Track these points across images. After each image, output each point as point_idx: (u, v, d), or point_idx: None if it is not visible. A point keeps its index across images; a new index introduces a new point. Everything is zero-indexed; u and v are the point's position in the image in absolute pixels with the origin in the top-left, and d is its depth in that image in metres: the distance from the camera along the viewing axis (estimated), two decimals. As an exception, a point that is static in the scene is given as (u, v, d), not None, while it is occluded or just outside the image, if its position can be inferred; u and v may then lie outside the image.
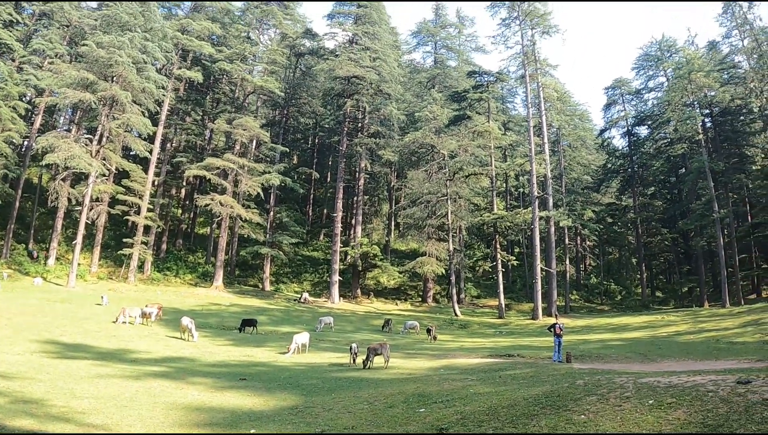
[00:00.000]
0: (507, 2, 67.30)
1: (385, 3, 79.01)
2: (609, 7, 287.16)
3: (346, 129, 69.47)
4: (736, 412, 8.95)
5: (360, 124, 71.99)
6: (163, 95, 60.35)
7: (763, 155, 73.26)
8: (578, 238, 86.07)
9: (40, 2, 61.75)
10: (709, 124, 75.39)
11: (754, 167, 74.07)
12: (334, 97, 73.61)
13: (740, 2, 65.37)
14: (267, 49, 74.15)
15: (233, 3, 77.42)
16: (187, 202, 78.25)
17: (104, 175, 55.80)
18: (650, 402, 10.23)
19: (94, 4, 69.80)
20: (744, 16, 66.22)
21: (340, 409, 14.30)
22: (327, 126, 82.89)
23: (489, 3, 69.64)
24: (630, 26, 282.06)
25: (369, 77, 66.96)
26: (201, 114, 75.02)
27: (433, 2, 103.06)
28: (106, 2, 61.53)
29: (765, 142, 69.03)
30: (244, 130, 63.09)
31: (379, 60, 69.14)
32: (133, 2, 58.97)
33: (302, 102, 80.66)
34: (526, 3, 65.95)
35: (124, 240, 57.95)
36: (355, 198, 73.41)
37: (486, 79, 73.33)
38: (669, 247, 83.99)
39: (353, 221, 74.64)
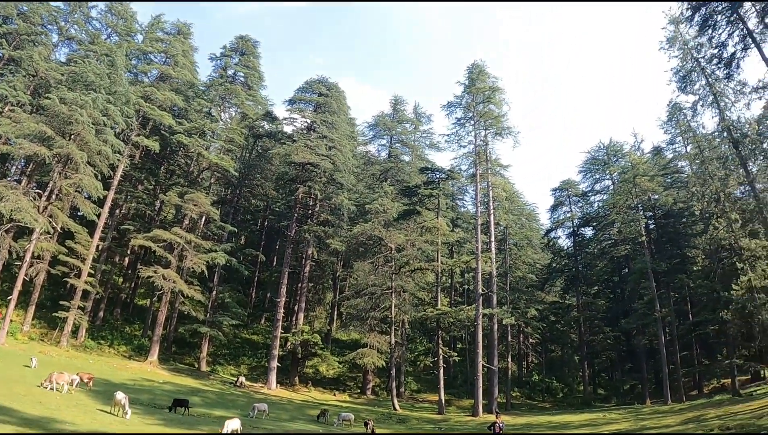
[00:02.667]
0: (463, 103, 72.77)
1: (346, 93, 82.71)
2: (561, 111, 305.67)
3: (296, 215, 72.00)
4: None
5: (310, 211, 74.68)
6: (119, 160, 61.99)
7: (703, 256, 78.41)
8: (521, 335, 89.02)
9: (9, 49, 62.00)
10: (652, 226, 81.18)
11: (695, 268, 79.42)
12: (287, 182, 76.68)
13: (684, 111, 71.81)
14: (226, 127, 76.57)
15: (198, 78, 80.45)
16: (130, 272, 78.85)
17: (49, 233, 56.18)
18: None
19: (63, 58, 71.59)
20: (687, 124, 72.01)
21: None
22: (278, 209, 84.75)
23: (446, 102, 75.02)
24: (581, 129, 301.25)
25: (323, 165, 70.13)
26: (153, 184, 76.24)
27: (392, 97, 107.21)
28: (75, 59, 62.93)
29: (706, 243, 73.37)
30: (195, 205, 64.78)
31: (334, 149, 72.45)
32: (102, 64, 60.57)
33: (255, 183, 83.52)
34: (481, 105, 71.39)
35: (61, 302, 56.96)
36: (300, 284, 75.12)
37: (438, 175, 77.57)
38: (611, 345, 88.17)
39: (296, 308, 76.22)
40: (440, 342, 68.73)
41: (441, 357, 66.01)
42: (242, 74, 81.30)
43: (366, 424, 41.21)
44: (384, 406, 63.35)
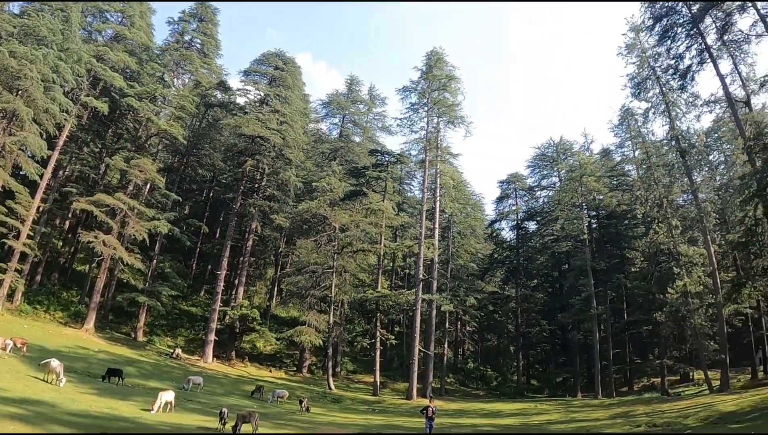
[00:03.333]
0: (419, 89, 73.86)
1: (302, 69, 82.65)
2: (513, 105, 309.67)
3: (242, 187, 71.85)
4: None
5: (257, 185, 74.42)
6: (65, 120, 59.63)
7: (642, 258, 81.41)
8: (459, 322, 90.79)
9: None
10: (594, 226, 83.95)
11: (633, 269, 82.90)
12: (236, 154, 76.70)
13: (636, 117, 73.90)
14: (178, 93, 74.67)
15: (154, 41, 79.44)
16: (70, 236, 76.97)
17: (-12, 192, 54.00)
18: None
19: (16, 10, 66.72)
20: (638, 130, 74.25)
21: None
22: (224, 181, 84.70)
23: (402, 87, 75.98)
24: (533, 124, 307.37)
25: (273, 140, 70.17)
26: (100, 147, 73.90)
27: (348, 76, 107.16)
28: (29, 12, 59.34)
29: (645, 246, 76.04)
30: (141, 171, 64.21)
31: (286, 124, 72.49)
32: (56, 18, 58.40)
33: (203, 153, 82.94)
34: (436, 92, 72.73)
35: (-3, 263, 54.48)
36: (242, 258, 74.35)
37: (387, 159, 78.34)
38: (547, 338, 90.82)
39: (236, 282, 75.81)
40: (378, 324, 69.61)
41: (378, 339, 66.85)
42: (199, 41, 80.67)
43: (300, 402, 41.59)
44: (319, 385, 63.73)
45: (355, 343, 76.85)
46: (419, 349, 64.33)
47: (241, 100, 79.22)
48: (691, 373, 79.04)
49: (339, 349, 73.09)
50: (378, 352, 67.25)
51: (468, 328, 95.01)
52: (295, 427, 30.39)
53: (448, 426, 37.43)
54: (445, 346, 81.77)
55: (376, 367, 65.25)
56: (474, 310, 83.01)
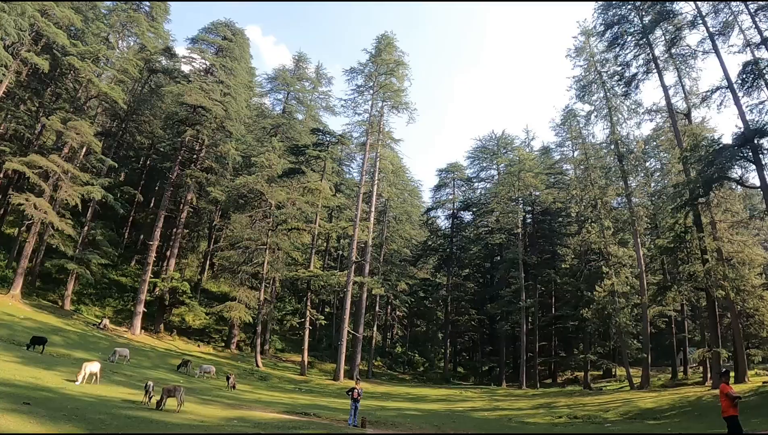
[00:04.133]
0: (366, 72, 74.89)
1: (251, 41, 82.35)
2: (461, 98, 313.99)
3: (180, 157, 71.57)
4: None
5: (195, 156, 74.36)
6: (3, 75, 58.36)
7: (573, 256, 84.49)
8: (389, 306, 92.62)
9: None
10: (529, 220, 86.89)
11: (563, 265, 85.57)
12: (176, 123, 75.58)
13: (579, 118, 76.06)
14: (122, 56, 74.12)
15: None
16: (0, 197, 74.04)
17: None
18: None
19: None
20: (579, 131, 76.76)
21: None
22: (162, 150, 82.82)
23: (349, 68, 76.99)
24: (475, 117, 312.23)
25: (215, 111, 70.27)
26: (37, 105, 71.79)
27: (297, 53, 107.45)
28: None
29: (577, 244, 78.90)
30: (77, 134, 62.08)
31: (229, 96, 72.83)
32: None
33: (143, 119, 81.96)
34: (383, 76, 73.84)
35: None
36: (175, 230, 74.17)
37: (328, 138, 78.32)
38: (475, 327, 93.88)
39: (168, 253, 75.07)
40: (309, 304, 70.27)
41: (308, 319, 67.55)
42: (148, 4, 78.22)
43: (228, 379, 41.93)
44: (247, 362, 64.22)
45: (285, 322, 76.25)
46: (348, 331, 65.60)
47: (186, 68, 78.94)
48: (613, 369, 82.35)
49: (268, 326, 73.34)
50: (307, 332, 67.72)
51: (398, 312, 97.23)
52: (221, 404, 30.59)
53: (374, 408, 38.05)
54: (375, 329, 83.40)
55: (305, 347, 65.88)
56: (405, 295, 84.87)
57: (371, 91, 74.38)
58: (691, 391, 47.44)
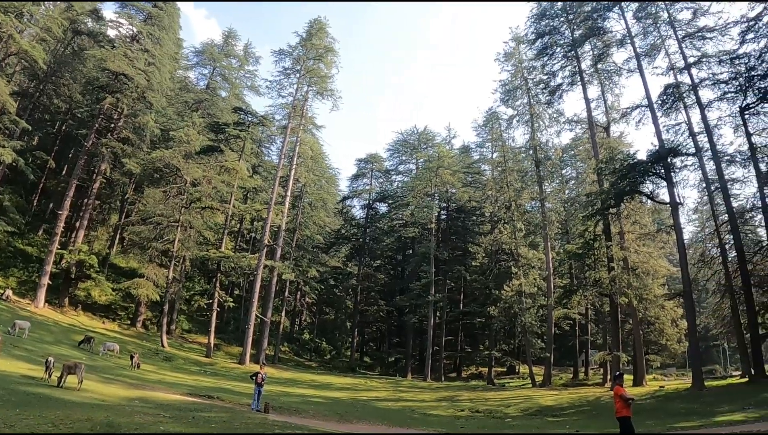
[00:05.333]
0: (294, 55, 76.00)
1: (181, 12, 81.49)
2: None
3: (97, 125, 69.37)
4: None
5: (113, 125, 72.56)
6: None
7: (484, 254, 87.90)
8: (299, 293, 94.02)
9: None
10: (443, 217, 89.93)
11: (474, 263, 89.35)
12: (96, 89, 72.87)
13: (501, 121, 78.91)
14: (47, 14, 70.78)
15: None
16: None
17: None
18: None
19: None
20: (500, 133, 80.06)
21: (22, 428, 14.37)
22: (80, 116, 79.76)
23: (278, 49, 79.36)
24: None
25: (138, 80, 69.03)
26: None
27: (227, 29, 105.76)
28: None
29: (488, 243, 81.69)
30: None
31: (153, 66, 71.91)
32: None
33: (63, 82, 79.48)
34: (312, 60, 75.44)
35: None
36: (86, 200, 72.18)
37: (250, 119, 78.52)
38: (383, 318, 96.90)
39: (78, 224, 73.04)
40: (218, 285, 70.97)
41: (216, 300, 67.76)
42: None
43: (131, 358, 42.01)
44: (153, 341, 63.42)
45: (193, 302, 77.18)
46: (256, 315, 66.85)
47: (112, 33, 76.79)
48: (517, 367, 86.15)
49: (176, 306, 73.52)
50: (215, 314, 68.35)
51: (307, 299, 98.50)
52: (123, 384, 30.47)
53: (278, 394, 38.89)
54: (283, 314, 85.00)
55: (212, 329, 66.60)
56: (315, 282, 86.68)
57: (298, 75, 75.53)
58: (591, 392, 50.75)
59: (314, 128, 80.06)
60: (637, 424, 22.95)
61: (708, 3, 54.69)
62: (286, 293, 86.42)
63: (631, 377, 58.77)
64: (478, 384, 70.73)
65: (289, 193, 74.04)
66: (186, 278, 76.69)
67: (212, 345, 66.16)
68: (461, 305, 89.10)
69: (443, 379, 76.68)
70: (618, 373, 18.42)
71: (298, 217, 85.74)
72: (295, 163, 74.36)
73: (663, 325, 67.06)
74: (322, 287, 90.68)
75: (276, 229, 73.12)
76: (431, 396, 51.66)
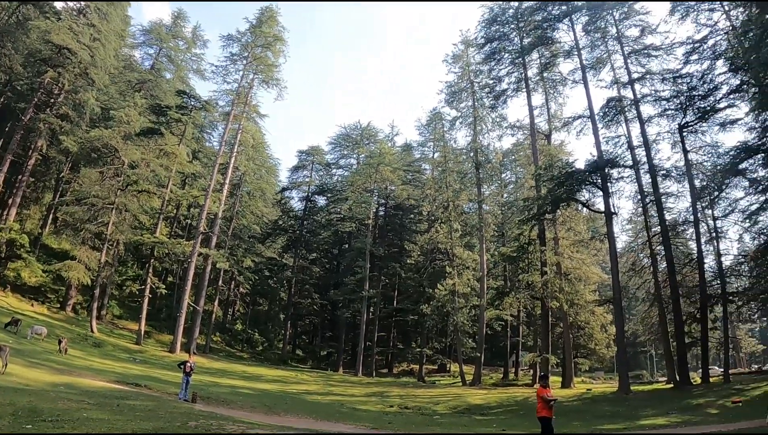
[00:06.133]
0: (243, 41, 76.23)
1: None
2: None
3: (36, 99, 68.27)
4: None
5: (53, 100, 71.24)
6: None
7: (419, 252, 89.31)
8: (233, 282, 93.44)
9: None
10: (381, 213, 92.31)
11: (409, 260, 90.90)
12: (38, 61, 71.06)
13: (444, 122, 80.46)
14: None
15: None
16: None
17: None
18: None
19: None
20: (443, 134, 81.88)
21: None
22: (19, 89, 76.47)
23: (226, 34, 78.27)
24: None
25: (81, 55, 67.97)
26: None
27: (176, 9, 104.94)
28: None
29: (425, 242, 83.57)
30: None
31: (98, 43, 70.65)
32: None
33: (4, 52, 74.20)
34: (260, 48, 75.95)
35: None
36: (20, 177, 70.56)
37: (193, 103, 78.77)
38: (317, 312, 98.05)
39: (10, 202, 70.31)
40: (151, 271, 70.89)
41: (149, 287, 67.55)
42: None
43: (59, 342, 41.10)
44: (82, 326, 62.09)
45: (125, 287, 76.34)
46: (189, 303, 67.28)
47: (59, 5, 75.40)
48: (448, 365, 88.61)
49: (108, 291, 72.59)
50: (146, 300, 67.96)
51: (241, 289, 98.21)
52: (49, 369, 30.25)
53: (208, 384, 39.07)
54: (216, 303, 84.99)
55: (143, 315, 66.19)
56: (250, 272, 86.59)
57: (245, 62, 75.88)
58: (519, 392, 52.25)
59: (258, 117, 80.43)
60: (564, 425, 24.58)
61: (656, 22, 57.28)
62: (220, 282, 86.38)
63: (560, 379, 61.22)
64: (408, 381, 72.47)
65: (227, 181, 74.60)
66: (119, 263, 75.67)
67: (143, 332, 65.63)
68: (395, 302, 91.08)
69: (374, 374, 78.21)
70: (543, 374, 19.51)
71: (235, 206, 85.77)
72: (235, 150, 74.81)
73: (592, 330, 69.72)
74: (257, 278, 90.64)
75: (213, 216, 73.56)
76: (361, 391, 52.62)
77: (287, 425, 20.46)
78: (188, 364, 28.65)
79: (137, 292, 74.53)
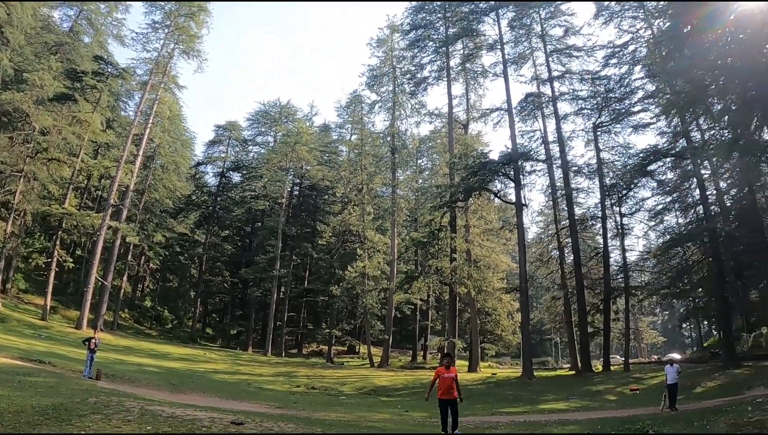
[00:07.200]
0: (166, 9, 74.37)
1: None
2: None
3: None
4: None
5: None
6: None
7: (332, 234, 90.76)
8: (143, 257, 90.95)
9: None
10: (296, 192, 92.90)
11: (321, 241, 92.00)
12: None
13: (364, 105, 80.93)
14: None
15: None
16: None
17: None
18: (148, 428, 11.90)
19: None
20: (361, 117, 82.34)
21: None
22: None
23: (149, 2, 75.63)
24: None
25: None
26: None
27: None
28: None
29: (337, 223, 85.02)
30: None
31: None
32: None
33: None
34: (183, 18, 74.29)
35: None
36: None
37: (111, 70, 74.94)
38: (228, 290, 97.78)
39: None
40: (59, 244, 68.65)
41: (56, 260, 65.76)
42: None
43: None
44: None
45: (31, 260, 72.67)
46: (97, 278, 65.32)
47: None
48: (357, 347, 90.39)
49: (13, 263, 67.74)
50: (53, 274, 65.76)
51: (151, 265, 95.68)
52: None
53: (114, 362, 38.52)
54: (125, 279, 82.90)
55: (49, 290, 63.60)
56: (160, 247, 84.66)
57: (166, 30, 74.12)
58: (426, 375, 52.91)
59: (176, 88, 79.44)
60: (468, 407, 25.63)
61: (580, 24, 59.87)
62: (130, 257, 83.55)
63: (467, 363, 62.95)
64: (317, 361, 73.17)
65: (141, 153, 72.62)
66: (26, 234, 72.10)
67: (49, 307, 63.20)
68: (306, 282, 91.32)
69: (284, 354, 78.62)
70: (445, 353, 19.93)
71: (148, 179, 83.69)
72: (151, 121, 73.02)
73: (499, 317, 72.26)
74: (168, 254, 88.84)
75: (124, 188, 71.63)
76: (269, 371, 53.12)
77: (191, 403, 20.28)
78: (93, 341, 28.36)
79: (44, 266, 71.56)
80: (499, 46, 62.89)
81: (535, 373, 52.19)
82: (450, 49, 68.33)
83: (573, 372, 54.59)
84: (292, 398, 33.89)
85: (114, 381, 26.76)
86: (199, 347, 72.16)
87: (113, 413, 13.11)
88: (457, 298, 64.79)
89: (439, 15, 69.55)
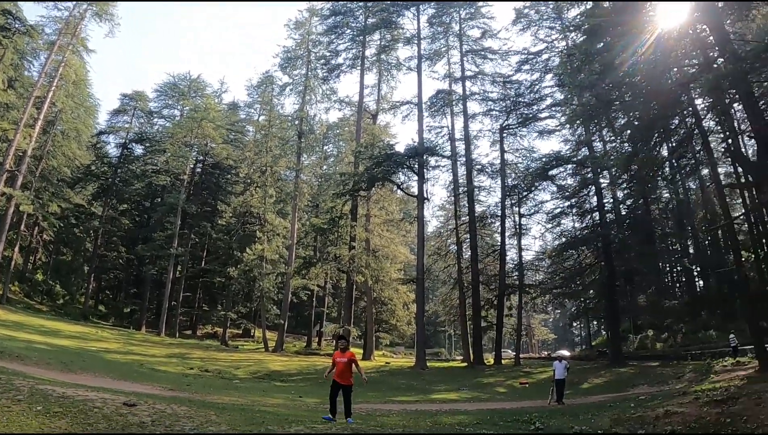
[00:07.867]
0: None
1: None
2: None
3: None
4: (114, 429, 10.85)
5: None
6: None
7: (232, 214, 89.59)
8: (36, 228, 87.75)
9: None
10: (198, 170, 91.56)
11: (221, 221, 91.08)
12: None
13: (274, 86, 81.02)
14: None
15: None
16: None
17: None
18: (39, 408, 11.51)
19: None
20: (271, 98, 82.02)
21: None
22: None
23: None
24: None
25: None
26: None
27: None
28: None
29: (238, 204, 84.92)
30: None
31: None
32: None
33: None
34: (100, -21, 71.37)
35: None
36: None
37: (17, 26, 71.35)
38: (123, 266, 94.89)
39: None
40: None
41: None
42: None
43: None
44: None
45: None
46: (-13, 248, 62.89)
47: None
48: (253, 331, 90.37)
49: None
50: (-63, 244, 63.24)
51: (45, 236, 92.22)
52: None
53: (1, 337, 37.12)
54: (16, 250, 79.08)
55: (-69, 261, 60.87)
56: (55, 218, 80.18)
57: (81, -11, 71.91)
58: (321, 361, 54.62)
59: (84, 51, 76.70)
60: (360, 395, 26.90)
61: (498, 28, 62.85)
62: (23, 227, 79.98)
63: (362, 351, 64.42)
64: (211, 344, 72.75)
65: (42, 117, 69.97)
66: None
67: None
68: (203, 262, 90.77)
69: (178, 335, 77.79)
70: (340, 336, 21.06)
71: (47, 145, 79.75)
72: (55, 84, 70.61)
73: (395, 307, 73.70)
74: (62, 225, 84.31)
75: (21, 153, 68.52)
76: (163, 351, 52.57)
77: (83, 383, 19.82)
78: None
79: (-73, 235, 67.95)
80: (416, 41, 64.84)
81: (428, 364, 53.98)
82: (367, 39, 69.61)
83: (465, 364, 56.97)
84: (186, 380, 33.79)
85: (1, 358, 25.73)
86: (91, 325, 70.17)
87: (2, 392, 12.86)
88: (354, 286, 66.31)
89: (360, 3, 70.38)
